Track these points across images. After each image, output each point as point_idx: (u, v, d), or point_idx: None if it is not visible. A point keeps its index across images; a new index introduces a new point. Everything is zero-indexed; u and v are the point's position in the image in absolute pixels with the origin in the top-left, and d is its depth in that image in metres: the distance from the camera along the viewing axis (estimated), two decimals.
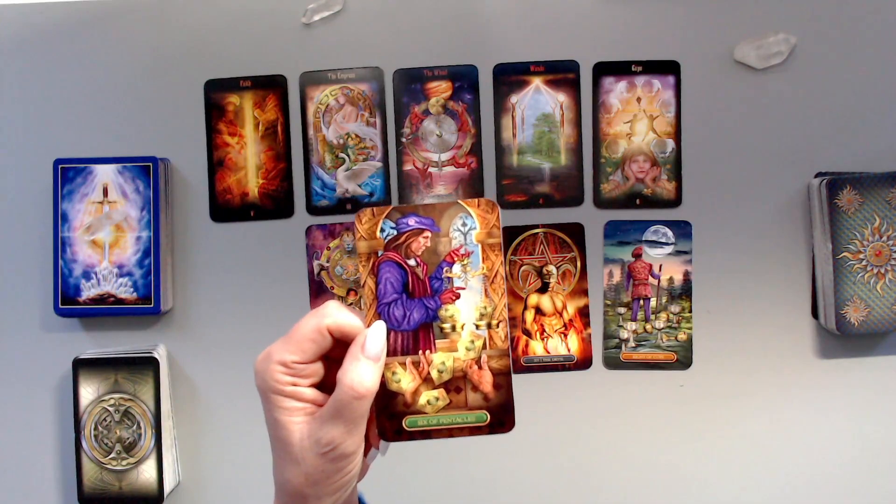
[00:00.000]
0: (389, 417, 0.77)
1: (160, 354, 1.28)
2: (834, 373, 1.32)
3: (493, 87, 1.32)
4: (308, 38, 1.32)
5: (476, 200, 0.78)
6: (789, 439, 1.32)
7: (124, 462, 1.27)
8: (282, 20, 1.32)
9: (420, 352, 0.77)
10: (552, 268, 1.32)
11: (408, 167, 1.32)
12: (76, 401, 1.27)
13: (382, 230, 0.78)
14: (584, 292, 1.33)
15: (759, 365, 1.32)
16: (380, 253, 0.78)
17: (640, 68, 1.32)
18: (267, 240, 1.32)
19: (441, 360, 0.77)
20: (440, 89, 1.32)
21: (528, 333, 1.32)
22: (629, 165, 1.32)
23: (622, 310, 1.32)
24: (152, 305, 1.28)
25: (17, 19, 1.31)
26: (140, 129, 1.32)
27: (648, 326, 1.32)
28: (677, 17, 1.32)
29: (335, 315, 0.74)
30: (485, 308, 0.77)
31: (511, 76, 1.32)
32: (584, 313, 1.33)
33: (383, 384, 0.77)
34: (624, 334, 1.32)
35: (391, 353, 0.77)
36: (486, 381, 0.78)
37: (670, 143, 1.32)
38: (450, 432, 0.78)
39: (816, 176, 1.30)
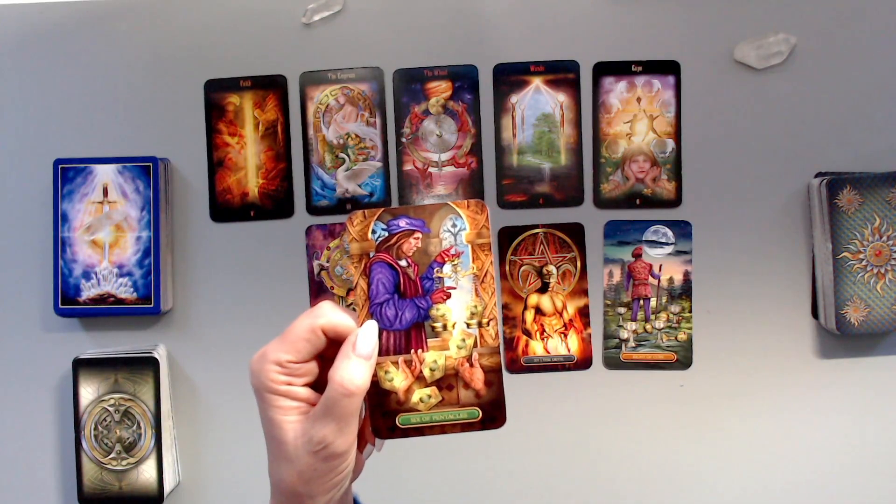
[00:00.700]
0: (383, 415, 0.78)
1: (160, 354, 1.29)
2: (834, 373, 1.31)
3: (493, 87, 1.32)
4: (308, 38, 1.32)
5: (466, 202, 0.79)
6: (789, 439, 1.32)
7: (124, 462, 1.27)
8: (282, 20, 1.32)
9: (412, 351, 0.78)
10: (552, 268, 1.32)
11: (408, 167, 1.33)
12: (76, 401, 1.28)
13: (374, 232, 0.78)
14: (584, 292, 1.33)
15: (759, 365, 1.32)
16: (371, 254, 0.78)
17: (640, 68, 1.32)
18: (267, 240, 1.33)
19: (433, 358, 0.78)
20: (440, 89, 1.33)
21: (528, 333, 1.32)
22: (629, 165, 1.32)
23: (622, 310, 1.32)
24: (152, 305, 1.28)
25: (17, 19, 1.31)
26: (140, 129, 1.32)
27: (648, 326, 1.32)
28: (677, 17, 1.32)
29: (329, 315, 0.75)
30: (475, 307, 0.78)
31: (511, 76, 1.32)
32: (584, 313, 1.33)
33: (376, 383, 0.78)
34: (624, 334, 1.32)
35: (384, 352, 0.78)
36: (478, 379, 0.78)
37: (670, 143, 1.32)
38: (442, 429, 0.79)
39: (816, 176, 1.30)
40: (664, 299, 1.32)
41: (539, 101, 1.32)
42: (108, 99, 1.32)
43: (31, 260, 1.32)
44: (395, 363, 0.78)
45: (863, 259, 1.24)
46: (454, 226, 0.79)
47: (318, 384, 0.76)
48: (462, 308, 0.78)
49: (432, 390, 0.78)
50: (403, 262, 0.78)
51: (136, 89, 1.32)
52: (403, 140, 1.32)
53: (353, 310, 0.79)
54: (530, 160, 1.32)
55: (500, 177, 1.32)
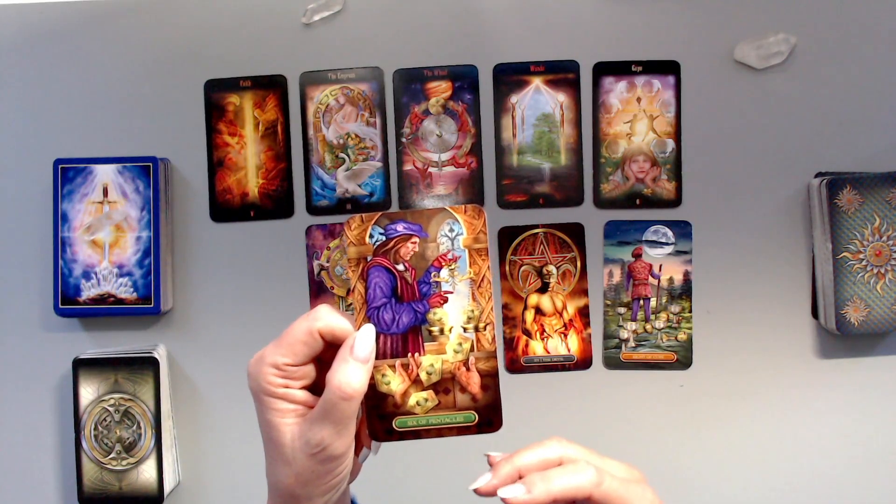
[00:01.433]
0: (380, 418, 0.79)
1: (160, 354, 1.29)
2: (834, 373, 1.31)
3: (493, 87, 1.32)
4: (308, 38, 1.32)
5: (463, 206, 0.79)
6: (789, 439, 1.32)
7: (124, 462, 1.28)
8: (282, 20, 1.32)
9: (409, 354, 0.79)
10: (552, 268, 1.32)
11: (408, 167, 1.33)
12: (76, 401, 1.28)
13: (371, 236, 0.79)
14: (584, 292, 1.33)
15: (759, 365, 1.32)
16: (369, 258, 0.79)
17: (640, 68, 1.32)
18: (267, 240, 1.33)
19: (430, 362, 0.78)
20: (440, 89, 1.33)
21: (528, 333, 1.32)
22: (629, 165, 1.32)
23: (622, 310, 1.32)
24: (152, 305, 1.28)
25: (17, 19, 1.31)
26: (140, 129, 1.32)
27: (648, 326, 1.32)
28: (677, 17, 1.31)
29: (326, 318, 0.76)
30: (472, 311, 0.78)
31: (511, 76, 1.32)
32: (584, 313, 1.33)
33: (374, 386, 0.78)
34: (624, 334, 1.32)
35: (381, 355, 0.78)
36: (474, 383, 0.79)
37: (670, 143, 1.32)
38: (439, 432, 0.79)
39: (816, 176, 1.30)
40: (664, 299, 1.32)
41: (539, 101, 1.32)
42: (108, 99, 1.32)
43: (31, 260, 1.32)
44: (393, 367, 0.78)
45: (863, 259, 1.24)
46: (451, 230, 0.79)
47: (316, 387, 0.77)
48: (459, 312, 0.78)
49: (429, 394, 0.79)
50: (401, 267, 0.79)
51: (136, 89, 1.32)
52: (403, 140, 1.32)
53: (352, 312, 0.79)
54: (530, 160, 1.32)
55: (500, 177, 1.32)
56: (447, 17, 1.32)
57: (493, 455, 0.79)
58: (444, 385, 0.79)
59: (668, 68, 1.31)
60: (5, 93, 1.32)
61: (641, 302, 1.32)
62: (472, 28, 1.32)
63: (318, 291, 1.33)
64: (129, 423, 1.27)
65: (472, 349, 0.79)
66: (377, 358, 0.78)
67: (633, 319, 1.32)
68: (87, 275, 1.28)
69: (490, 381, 0.79)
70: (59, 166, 1.28)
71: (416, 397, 0.79)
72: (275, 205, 1.32)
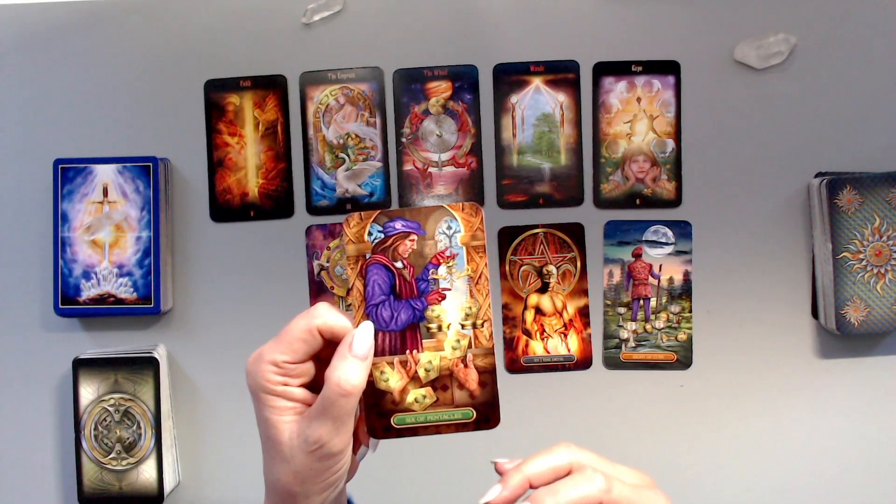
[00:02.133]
0: (378, 415, 0.79)
1: (160, 354, 1.29)
2: (834, 373, 1.31)
3: (493, 87, 1.32)
4: (308, 38, 1.32)
5: (461, 204, 0.80)
6: (789, 439, 1.32)
7: (124, 462, 1.28)
8: (282, 20, 1.32)
9: (407, 351, 0.79)
10: (552, 268, 1.32)
11: (408, 167, 1.33)
12: (76, 401, 1.28)
13: (370, 234, 0.79)
14: (584, 292, 1.33)
15: (759, 365, 1.32)
16: (368, 256, 0.79)
17: (640, 68, 1.32)
18: (267, 240, 1.33)
19: (428, 359, 0.79)
20: (440, 89, 1.33)
21: (528, 333, 1.32)
22: (629, 165, 1.32)
23: (622, 310, 1.32)
24: (152, 305, 1.28)
25: (17, 19, 1.31)
26: (140, 129, 1.32)
27: (648, 326, 1.32)
28: (677, 17, 1.31)
29: (325, 316, 0.76)
30: (470, 308, 0.79)
31: (511, 76, 1.32)
32: (584, 313, 1.33)
33: (372, 383, 0.78)
34: (624, 334, 1.32)
35: (379, 352, 0.79)
36: (472, 379, 0.79)
37: (670, 143, 1.32)
38: (437, 429, 0.80)
39: (816, 176, 1.30)
40: (664, 299, 1.32)
41: (539, 101, 1.32)
42: (108, 99, 1.32)
43: (31, 260, 1.32)
44: (391, 363, 0.79)
45: (863, 259, 1.24)
46: (449, 228, 0.79)
47: (314, 385, 0.77)
48: (457, 309, 0.79)
49: (427, 391, 0.79)
50: (399, 264, 0.79)
51: (136, 89, 1.32)
52: (403, 140, 1.32)
53: (351, 311, 0.79)
54: (530, 160, 1.32)
55: (500, 177, 1.32)
56: (447, 17, 1.32)
57: (501, 462, 0.79)
58: (443, 382, 0.79)
59: (668, 68, 1.31)
60: (5, 93, 1.32)
61: (641, 302, 1.32)
62: (472, 28, 1.32)
63: (318, 291, 1.33)
64: (129, 423, 1.27)
65: (469, 346, 0.79)
66: (375, 355, 0.78)
67: (633, 319, 1.32)
68: (87, 275, 1.28)
69: (488, 377, 0.80)
70: (59, 166, 1.28)
71: (414, 394, 0.79)
72: (275, 205, 1.32)
